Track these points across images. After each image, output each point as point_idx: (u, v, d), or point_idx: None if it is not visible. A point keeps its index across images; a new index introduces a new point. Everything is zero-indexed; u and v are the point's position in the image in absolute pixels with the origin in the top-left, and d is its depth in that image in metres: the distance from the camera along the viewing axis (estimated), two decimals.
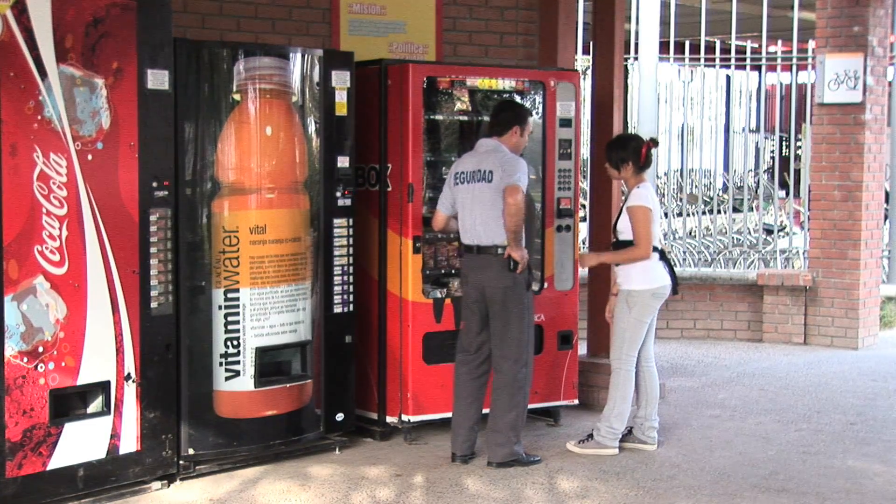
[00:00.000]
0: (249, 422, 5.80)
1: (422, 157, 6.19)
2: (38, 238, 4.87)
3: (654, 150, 6.26)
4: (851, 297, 9.48)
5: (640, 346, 6.12)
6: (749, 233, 12.18)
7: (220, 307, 5.69)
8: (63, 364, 4.98)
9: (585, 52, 10.86)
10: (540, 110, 6.61)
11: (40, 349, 4.90)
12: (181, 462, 5.54)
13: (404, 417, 6.26)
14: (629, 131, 10.88)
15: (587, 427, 6.68)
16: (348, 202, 6.08)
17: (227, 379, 5.72)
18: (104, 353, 5.12)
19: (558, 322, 6.64)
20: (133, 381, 5.23)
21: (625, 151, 6.10)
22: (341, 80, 5.99)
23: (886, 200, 10.76)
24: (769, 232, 11.64)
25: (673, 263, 6.42)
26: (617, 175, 6.18)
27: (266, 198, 5.76)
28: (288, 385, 5.93)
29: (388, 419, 6.36)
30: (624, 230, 6.05)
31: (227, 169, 5.66)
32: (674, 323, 9.86)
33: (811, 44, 10.78)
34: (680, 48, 11.72)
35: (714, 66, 11.54)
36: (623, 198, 6.34)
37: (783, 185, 13.26)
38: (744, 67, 12.80)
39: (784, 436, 6.58)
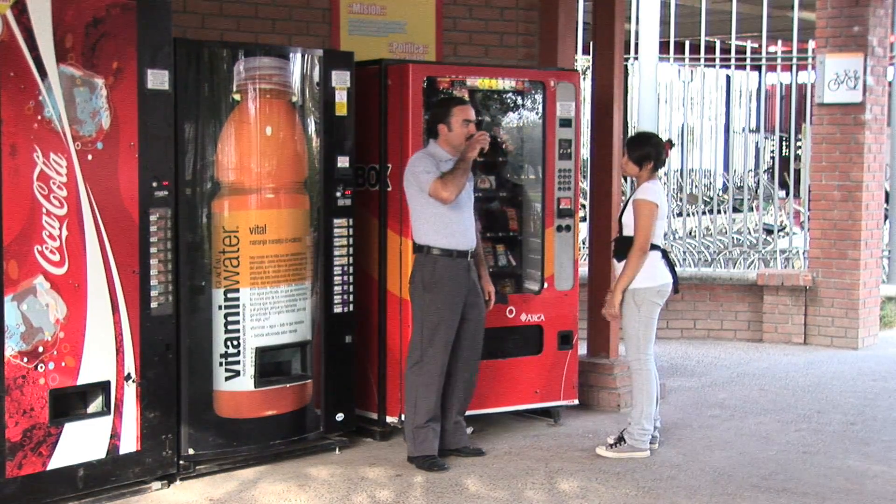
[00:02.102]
0: (249, 422, 5.80)
1: None
2: (38, 238, 4.87)
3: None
4: (851, 297, 9.48)
5: (653, 343, 6.12)
6: (749, 233, 12.18)
7: (220, 307, 5.69)
8: (63, 364, 4.97)
9: (585, 52, 10.85)
10: (540, 110, 6.61)
11: (40, 349, 4.89)
12: (181, 462, 5.54)
13: (404, 417, 6.25)
14: (629, 131, 10.88)
15: (588, 427, 6.68)
16: (348, 202, 6.08)
17: (227, 379, 5.72)
18: (104, 353, 5.12)
19: (558, 322, 6.64)
20: (133, 381, 5.23)
21: (650, 149, 6.10)
22: (341, 80, 5.99)
23: (886, 200, 10.76)
24: (769, 232, 11.64)
25: (674, 263, 6.41)
26: (636, 172, 6.14)
27: (266, 198, 5.76)
28: (288, 385, 5.93)
29: (388, 419, 6.36)
30: (629, 223, 6.05)
31: (227, 169, 5.66)
32: (674, 323, 9.86)
33: (811, 44, 10.78)
34: (680, 48, 11.71)
35: (714, 66, 11.54)
36: (626, 194, 6.34)
37: (783, 185, 13.26)
38: (744, 67, 12.80)
39: (784, 436, 6.58)
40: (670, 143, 6.30)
